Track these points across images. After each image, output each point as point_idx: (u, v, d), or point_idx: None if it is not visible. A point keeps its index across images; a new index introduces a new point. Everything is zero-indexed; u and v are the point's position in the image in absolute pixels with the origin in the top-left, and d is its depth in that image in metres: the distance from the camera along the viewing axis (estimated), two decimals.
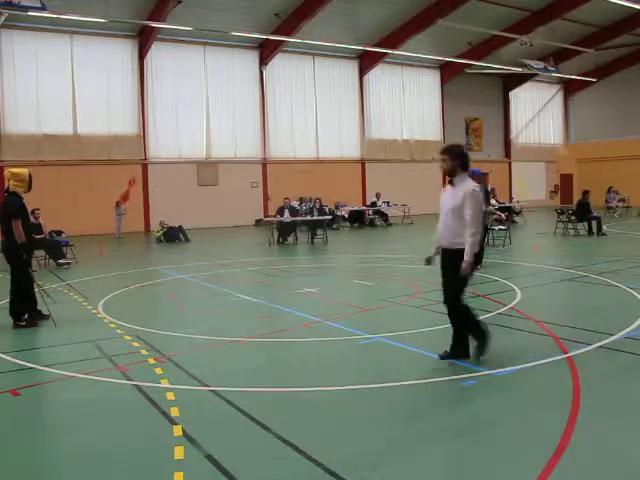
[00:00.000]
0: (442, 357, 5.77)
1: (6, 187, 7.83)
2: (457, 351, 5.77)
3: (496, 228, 16.12)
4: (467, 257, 5.50)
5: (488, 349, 5.69)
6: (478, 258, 11.67)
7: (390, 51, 28.31)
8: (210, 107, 26.65)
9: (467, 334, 5.78)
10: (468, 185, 5.57)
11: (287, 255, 16.20)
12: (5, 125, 22.55)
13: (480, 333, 5.72)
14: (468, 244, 5.51)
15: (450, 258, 5.65)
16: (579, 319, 7.62)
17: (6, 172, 7.97)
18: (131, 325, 7.66)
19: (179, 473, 3.68)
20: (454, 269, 5.55)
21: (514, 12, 28.15)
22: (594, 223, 17.93)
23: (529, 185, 37.55)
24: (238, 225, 26.58)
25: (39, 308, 8.11)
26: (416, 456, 3.91)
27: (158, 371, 5.71)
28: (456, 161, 5.65)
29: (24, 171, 7.93)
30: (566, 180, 39.11)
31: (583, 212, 18.22)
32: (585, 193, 18.88)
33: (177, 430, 4.31)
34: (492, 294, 9.17)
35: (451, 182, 5.69)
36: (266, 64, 27.60)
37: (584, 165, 37.98)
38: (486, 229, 12.94)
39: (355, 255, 16.12)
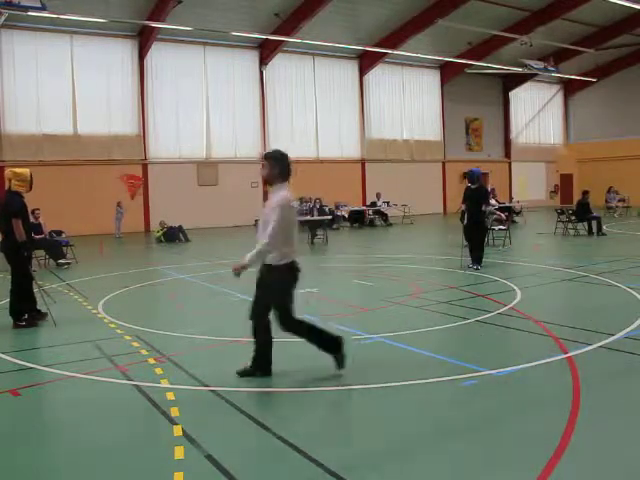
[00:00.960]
0: (240, 373, 5.50)
1: (7, 186, 7.85)
2: (257, 367, 5.52)
3: (496, 228, 16.13)
4: (246, 260, 5.16)
5: (345, 357, 5.45)
6: (479, 259, 11.71)
7: (390, 51, 28.32)
8: (210, 107, 26.66)
9: (266, 350, 5.51)
10: (279, 195, 5.20)
11: None
12: (5, 125, 22.55)
13: (328, 342, 5.44)
14: (256, 249, 5.15)
15: (263, 273, 5.38)
16: (579, 319, 7.62)
17: (7, 172, 7.98)
18: (131, 325, 7.66)
19: (179, 473, 3.67)
20: (267, 285, 5.33)
21: (514, 12, 28.15)
22: (594, 223, 17.93)
23: (529, 185, 37.55)
24: (238, 225, 26.57)
25: (38, 308, 8.11)
26: (416, 456, 3.92)
27: (158, 371, 5.71)
28: (275, 169, 5.27)
29: (26, 171, 7.97)
30: (566, 180, 39.12)
31: (583, 212, 18.22)
32: (585, 193, 18.90)
33: (177, 430, 4.31)
34: (492, 294, 9.16)
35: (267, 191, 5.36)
36: (266, 64, 27.60)
37: (584, 165, 37.99)
38: (486, 229, 12.94)
39: (355, 255, 16.12)
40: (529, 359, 5.73)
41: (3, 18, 19.14)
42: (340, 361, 5.46)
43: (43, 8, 18.38)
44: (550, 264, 12.14)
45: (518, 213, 25.25)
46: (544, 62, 31.26)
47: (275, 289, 5.30)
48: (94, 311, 8.67)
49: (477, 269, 11.53)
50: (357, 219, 25.62)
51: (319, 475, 3.64)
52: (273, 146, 27.93)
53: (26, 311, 7.90)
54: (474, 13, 26.98)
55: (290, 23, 24.99)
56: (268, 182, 5.35)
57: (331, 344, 5.47)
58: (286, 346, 6.74)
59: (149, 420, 4.64)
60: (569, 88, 39.49)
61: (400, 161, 32.03)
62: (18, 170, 7.97)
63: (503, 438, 4.16)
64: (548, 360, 5.68)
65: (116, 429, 4.49)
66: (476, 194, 11.78)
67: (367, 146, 30.88)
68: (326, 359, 6.14)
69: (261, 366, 5.51)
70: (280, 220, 5.11)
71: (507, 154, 37.47)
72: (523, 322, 7.35)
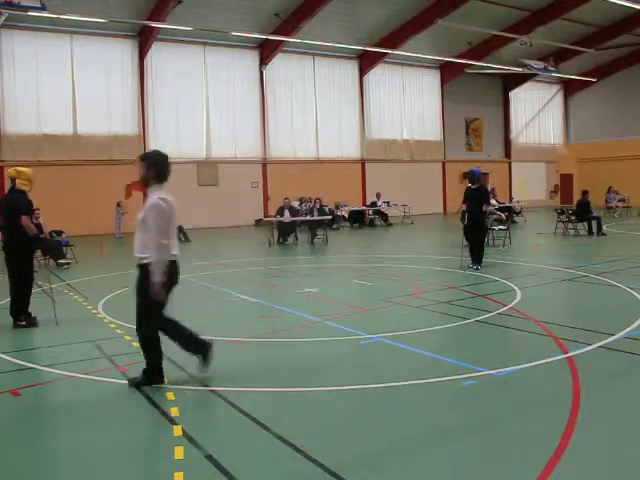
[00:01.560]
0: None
1: (11, 185, 7.87)
2: (197, 353, 5.46)
3: (496, 228, 16.13)
4: (154, 277, 5.10)
5: (145, 381, 5.24)
6: (479, 259, 11.70)
7: (390, 51, 28.32)
8: (210, 107, 26.66)
9: (188, 337, 5.42)
10: (152, 197, 5.12)
11: (287, 255, 16.20)
12: (5, 125, 22.56)
13: (152, 361, 5.31)
14: (154, 264, 5.10)
15: (138, 274, 5.30)
16: (579, 319, 7.62)
17: (11, 170, 8.01)
18: (131, 325, 7.60)
19: (179, 473, 3.67)
20: (139, 286, 5.29)
21: (514, 12, 28.16)
22: (594, 223, 17.93)
23: (529, 185, 37.56)
24: (238, 225, 26.58)
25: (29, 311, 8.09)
26: (416, 456, 3.91)
27: None
28: (150, 170, 5.22)
29: (29, 170, 8.04)
30: (566, 180, 39.12)
31: (583, 212, 18.23)
32: (584, 193, 18.91)
33: (177, 430, 4.31)
34: (492, 294, 9.16)
35: (145, 193, 5.23)
36: (266, 64, 27.61)
37: (584, 165, 38.00)
38: (486, 229, 12.95)
39: (355, 255, 16.12)
40: (529, 359, 5.73)
41: (3, 18, 19.15)
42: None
43: (43, 8, 18.38)
44: (550, 264, 12.14)
45: (518, 213, 25.25)
46: (544, 62, 31.27)
47: (146, 288, 5.24)
48: (94, 311, 8.67)
49: (477, 269, 11.54)
50: (357, 219, 25.62)
51: (319, 475, 3.63)
52: (272, 146, 27.98)
53: (26, 311, 7.90)
54: (474, 13, 26.98)
55: (290, 23, 24.99)
56: (143, 184, 5.26)
57: (153, 363, 5.29)
58: (288, 346, 6.74)
59: (149, 420, 4.64)
60: (569, 88, 39.50)
61: (400, 161, 32.04)
62: (21, 169, 8.02)
63: (503, 438, 4.16)
64: (548, 360, 5.68)
65: (116, 429, 4.49)
66: (476, 194, 11.79)
67: (367, 146, 30.88)
68: (328, 359, 6.15)
69: (198, 349, 5.43)
70: (157, 224, 5.08)
71: (507, 154, 37.48)
72: (523, 322, 7.35)
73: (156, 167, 5.26)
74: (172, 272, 5.27)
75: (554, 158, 39.35)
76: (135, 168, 5.28)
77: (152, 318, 5.34)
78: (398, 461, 3.81)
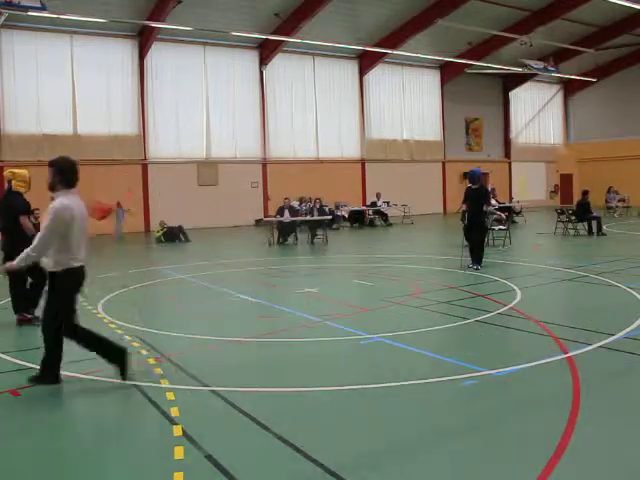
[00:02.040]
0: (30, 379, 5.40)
1: (8, 187, 7.90)
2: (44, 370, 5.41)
3: (496, 228, 16.12)
4: (15, 262, 5.23)
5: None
6: (479, 259, 11.70)
7: (390, 51, 28.32)
8: (210, 107, 26.66)
9: (53, 354, 5.37)
10: (57, 202, 5.14)
11: (287, 255, 16.20)
12: (5, 125, 22.55)
13: (109, 351, 5.47)
14: (25, 252, 5.14)
15: (49, 279, 5.34)
16: (579, 319, 7.63)
17: (7, 172, 8.05)
18: (131, 325, 7.66)
19: (179, 473, 3.68)
20: (50, 291, 5.31)
21: (514, 12, 28.16)
22: (594, 223, 17.93)
23: (529, 185, 37.55)
24: (238, 225, 26.58)
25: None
26: (416, 456, 3.92)
27: (158, 371, 5.71)
28: (57, 176, 5.24)
29: (25, 171, 8.09)
30: (566, 180, 39.12)
31: (583, 212, 18.23)
32: (585, 193, 18.91)
33: (177, 430, 4.31)
34: (492, 294, 9.16)
35: (52, 198, 5.22)
36: (266, 64, 27.61)
37: (584, 165, 38.00)
38: (486, 229, 12.94)
39: (355, 255, 16.12)
40: (529, 359, 5.73)
41: (3, 18, 19.15)
42: (122, 371, 5.41)
43: (43, 8, 18.38)
44: (550, 264, 12.14)
45: (518, 213, 25.25)
46: (544, 62, 31.27)
47: (56, 295, 5.28)
48: (94, 311, 8.68)
49: (477, 269, 11.54)
50: (357, 219, 25.62)
51: (319, 475, 3.64)
52: (272, 146, 27.98)
53: (29, 307, 7.91)
54: (474, 13, 26.98)
55: (290, 23, 24.99)
56: (50, 189, 5.27)
57: (112, 353, 5.46)
58: (288, 346, 6.74)
59: (149, 420, 4.64)
60: (569, 88, 39.49)
61: (400, 161, 32.04)
62: (17, 170, 8.08)
63: (503, 438, 4.16)
64: (548, 360, 5.68)
65: (116, 429, 4.49)
66: (477, 194, 11.79)
67: (367, 146, 30.88)
68: (328, 359, 6.16)
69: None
70: (51, 227, 5.08)
71: (507, 154, 37.47)
72: (523, 322, 7.35)
73: (62, 173, 5.27)
74: (78, 279, 5.32)
75: (554, 158, 39.34)
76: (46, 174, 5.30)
77: (59, 318, 5.32)
78: (398, 461, 3.81)
